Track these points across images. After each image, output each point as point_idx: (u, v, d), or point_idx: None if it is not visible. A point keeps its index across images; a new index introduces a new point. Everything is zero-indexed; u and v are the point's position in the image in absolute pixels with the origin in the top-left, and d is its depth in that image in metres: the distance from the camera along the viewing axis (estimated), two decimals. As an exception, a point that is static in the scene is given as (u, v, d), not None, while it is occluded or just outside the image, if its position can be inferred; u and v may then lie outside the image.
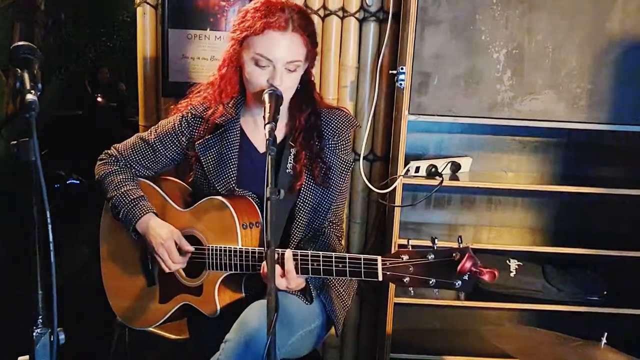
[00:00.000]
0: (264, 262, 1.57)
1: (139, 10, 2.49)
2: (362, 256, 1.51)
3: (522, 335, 1.83)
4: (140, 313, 1.86)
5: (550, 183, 2.44)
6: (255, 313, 1.58)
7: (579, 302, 2.39)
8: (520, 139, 2.54)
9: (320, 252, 1.55)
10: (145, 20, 2.49)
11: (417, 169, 2.32)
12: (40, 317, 1.10)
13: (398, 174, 2.27)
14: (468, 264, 1.33)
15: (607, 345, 1.66)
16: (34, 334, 1.10)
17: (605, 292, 2.42)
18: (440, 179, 2.28)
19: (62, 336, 1.12)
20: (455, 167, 2.42)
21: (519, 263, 2.46)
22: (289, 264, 1.55)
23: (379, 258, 1.47)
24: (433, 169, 2.34)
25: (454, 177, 2.40)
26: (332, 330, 1.85)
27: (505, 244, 2.42)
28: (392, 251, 2.27)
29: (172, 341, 1.98)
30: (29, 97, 1.09)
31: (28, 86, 1.12)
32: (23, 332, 1.13)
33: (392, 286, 2.30)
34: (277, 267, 1.56)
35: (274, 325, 1.27)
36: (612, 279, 2.44)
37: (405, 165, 2.28)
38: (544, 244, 2.45)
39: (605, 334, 1.67)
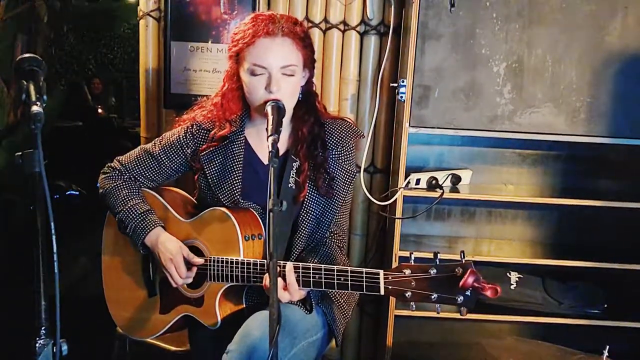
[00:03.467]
0: (266, 275, 1.57)
1: (141, 22, 2.51)
2: (364, 270, 1.50)
3: (523, 348, 1.83)
4: (141, 323, 1.85)
5: (550, 196, 2.44)
6: (257, 324, 1.58)
7: (579, 314, 2.39)
8: (520, 152, 2.56)
9: (322, 265, 1.55)
10: (147, 33, 2.51)
11: (418, 181, 2.33)
12: (43, 327, 1.09)
13: (398, 186, 2.27)
14: (470, 280, 1.33)
15: (609, 358, 1.66)
16: (37, 345, 1.09)
17: (605, 305, 2.42)
18: (441, 191, 2.28)
19: (64, 347, 1.12)
20: (456, 179, 2.43)
21: (519, 276, 2.46)
22: (290, 276, 1.55)
23: (381, 272, 1.46)
24: (433, 181, 2.34)
25: (454, 189, 2.40)
26: (332, 342, 1.85)
27: (505, 256, 2.42)
28: (393, 263, 2.28)
29: (173, 353, 1.98)
30: (35, 108, 1.10)
31: (34, 98, 1.12)
32: (24, 343, 1.13)
33: (392, 298, 2.29)
34: (279, 280, 1.55)
35: (276, 338, 1.27)
36: (612, 292, 2.44)
37: (405, 178, 2.28)
38: (544, 256, 2.45)
39: (607, 347, 1.66)
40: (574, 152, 2.51)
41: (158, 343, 1.98)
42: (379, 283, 1.46)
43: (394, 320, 2.31)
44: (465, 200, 2.53)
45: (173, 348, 1.98)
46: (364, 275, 1.49)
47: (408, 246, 2.39)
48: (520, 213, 2.61)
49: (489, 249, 2.52)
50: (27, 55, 1.19)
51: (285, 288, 1.56)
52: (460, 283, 1.33)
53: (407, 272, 1.42)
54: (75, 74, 7.35)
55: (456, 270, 1.36)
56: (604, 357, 1.66)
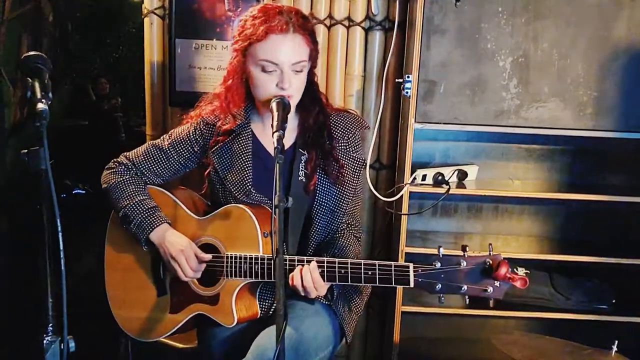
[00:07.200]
0: (292, 273, 1.56)
1: (146, 20, 2.51)
2: (392, 263, 1.50)
3: (531, 344, 1.82)
4: (149, 324, 1.83)
5: (557, 191, 2.43)
6: (272, 339, 1.56)
7: (587, 310, 2.38)
8: (527, 147, 2.54)
9: (348, 260, 1.55)
10: (152, 31, 2.51)
11: (424, 177, 2.32)
12: (50, 325, 1.10)
13: (405, 182, 2.27)
14: (503, 270, 1.35)
15: (618, 353, 1.65)
16: (44, 342, 1.10)
17: (613, 300, 2.40)
18: (447, 187, 2.27)
19: (72, 344, 1.12)
20: (462, 175, 2.42)
21: (526, 271, 2.41)
22: (315, 273, 1.55)
23: (411, 265, 1.48)
24: (440, 177, 2.33)
25: (460, 185, 2.39)
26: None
27: (512, 252, 2.41)
28: (399, 259, 2.28)
29: (180, 350, 1.98)
30: (40, 106, 1.10)
31: (39, 95, 1.13)
32: (32, 340, 1.13)
33: (399, 294, 2.29)
34: (306, 275, 1.55)
35: (283, 334, 1.28)
36: (620, 287, 2.43)
37: (411, 174, 2.27)
38: (551, 252, 2.43)
39: (616, 342, 1.66)
40: (581, 146, 2.50)
41: (165, 340, 1.98)
42: (408, 275, 1.47)
43: (401, 316, 2.31)
44: (471, 196, 2.53)
45: (180, 345, 1.98)
46: (392, 268, 1.50)
47: (414, 242, 2.39)
48: (527, 208, 2.60)
49: (496, 245, 2.49)
50: (32, 52, 1.20)
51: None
52: (494, 273, 1.36)
53: (437, 264, 1.44)
54: (81, 73, 7.35)
55: (486, 262, 1.37)
56: (613, 352, 1.66)
